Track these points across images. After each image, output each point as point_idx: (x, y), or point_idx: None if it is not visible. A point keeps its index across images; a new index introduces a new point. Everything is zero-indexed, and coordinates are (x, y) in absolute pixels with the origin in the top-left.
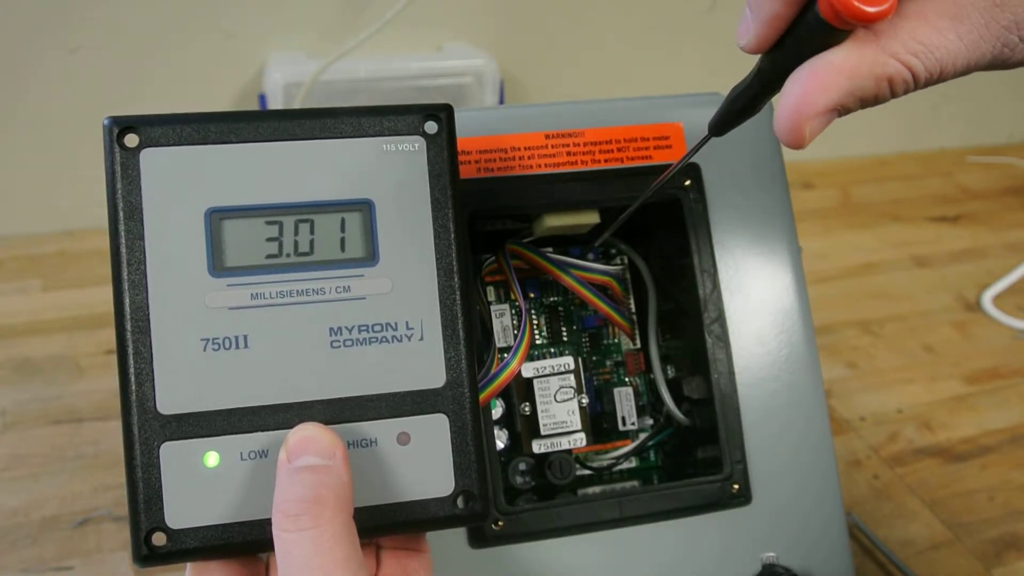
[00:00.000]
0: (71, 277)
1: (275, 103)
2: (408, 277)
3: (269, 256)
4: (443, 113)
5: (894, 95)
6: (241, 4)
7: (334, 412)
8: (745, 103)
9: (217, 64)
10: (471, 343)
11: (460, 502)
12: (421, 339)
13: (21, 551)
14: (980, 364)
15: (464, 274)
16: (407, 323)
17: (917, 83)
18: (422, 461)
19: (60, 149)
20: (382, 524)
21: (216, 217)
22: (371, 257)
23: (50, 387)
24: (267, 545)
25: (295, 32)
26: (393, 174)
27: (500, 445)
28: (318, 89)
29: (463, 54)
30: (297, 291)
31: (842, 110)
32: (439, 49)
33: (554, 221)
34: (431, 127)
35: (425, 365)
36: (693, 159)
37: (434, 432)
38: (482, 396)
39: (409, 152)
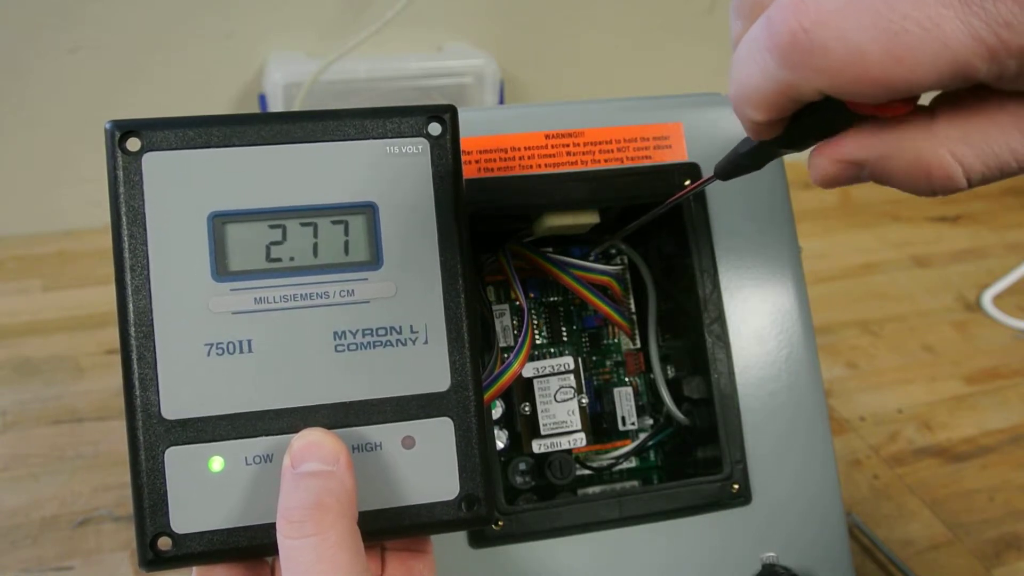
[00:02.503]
0: (71, 277)
1: (275, 103)
2: (412, 280)
3: (272, 260)
4: (447, 114)
5: (934, 189)
6: (241, 4)
7: (339, 416)
8: (753, 161)
9: (217, 64)
10: (475, 346)
11: (464, 506)
12: (426, 342)
13: (21, 551)
14: (980, 364)
15: (468, 276)
16: (411, 327)
17: (970, 180)
18: (427, 465)
19: (60, 149)
20: (387, 528)
21: (219, 221)
22: (375, 260)
23: (50, 387)
24: (272, 549)
25: (295, 32)
26: (397, 177)
27: (500, 445)
28: (318, 89)
29: (463, 54)
30: (301, 295)
31: (870, 171)
32: (439, 49)
33: (554, 221)
34: (435, 128)
35: (430, 369)
36: (693, 159)
37: (439, 436)
38: (484, 397)
39: (413, 154)
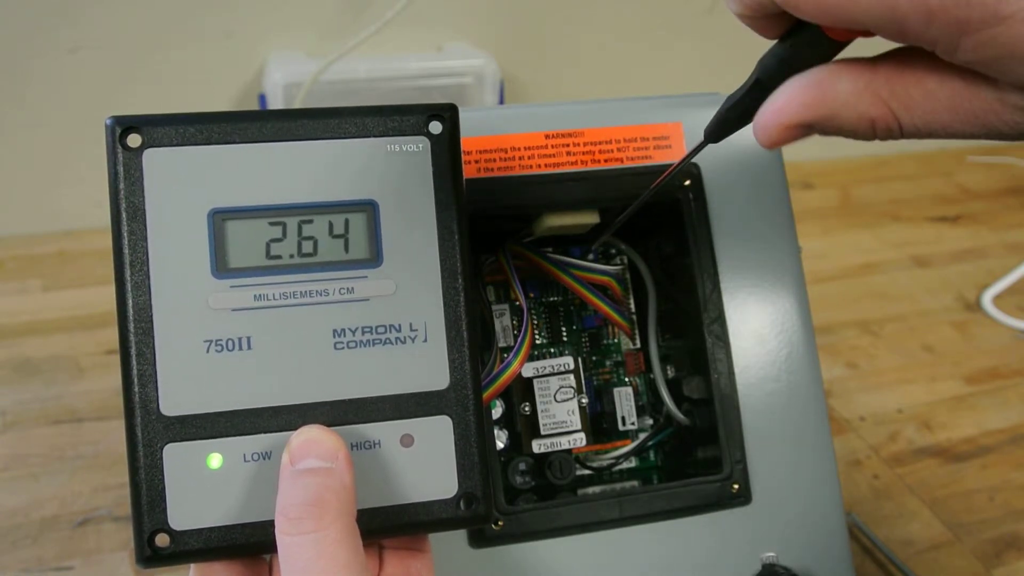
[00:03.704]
0: (71, 277)
1: (275, 103)
2: (412, 278)
3: (272, 257)
4: (447, 113)
5: (876, 137)
6: (241, 4)
7: (337, 414)
8: (740, 111)
9: (217, 64)
10: (475, 345)
11: (463, 504)
12: (425, 341)
13: (21, 551)
14: (980, 364)
15: (468, 275)
16: (411, 325)
17: (903, 133)
18: (425, 463)
19: (60, 149)
20: (385, 526)
21: (219, 218)
22: (375, 258)
23: (50, 387)
24: (270, 546)
25: (295, 32)
26: (397, 175)
27: (500, 445)
28: (318, 89)
29: (463, 54)
30: (300, 292)
31: (818, 130)
32: (439, 49)
33: (554, 221)
34: (435, 127)
35: (429, 367)
36: (693, 160)
37: (437, 434)
38: (483, 396)
39: (413, 152)
